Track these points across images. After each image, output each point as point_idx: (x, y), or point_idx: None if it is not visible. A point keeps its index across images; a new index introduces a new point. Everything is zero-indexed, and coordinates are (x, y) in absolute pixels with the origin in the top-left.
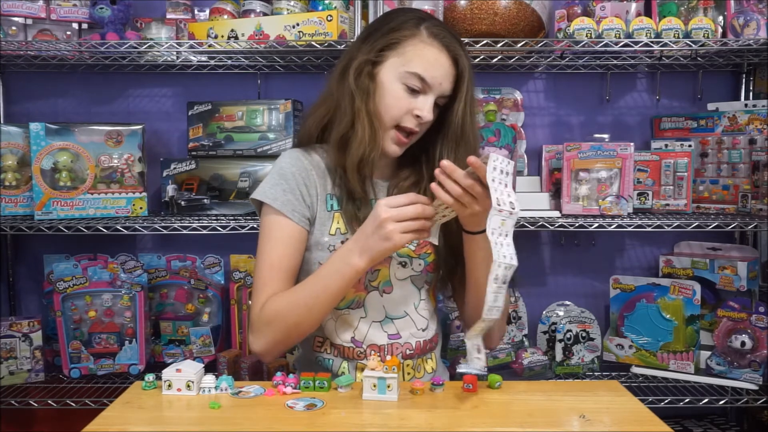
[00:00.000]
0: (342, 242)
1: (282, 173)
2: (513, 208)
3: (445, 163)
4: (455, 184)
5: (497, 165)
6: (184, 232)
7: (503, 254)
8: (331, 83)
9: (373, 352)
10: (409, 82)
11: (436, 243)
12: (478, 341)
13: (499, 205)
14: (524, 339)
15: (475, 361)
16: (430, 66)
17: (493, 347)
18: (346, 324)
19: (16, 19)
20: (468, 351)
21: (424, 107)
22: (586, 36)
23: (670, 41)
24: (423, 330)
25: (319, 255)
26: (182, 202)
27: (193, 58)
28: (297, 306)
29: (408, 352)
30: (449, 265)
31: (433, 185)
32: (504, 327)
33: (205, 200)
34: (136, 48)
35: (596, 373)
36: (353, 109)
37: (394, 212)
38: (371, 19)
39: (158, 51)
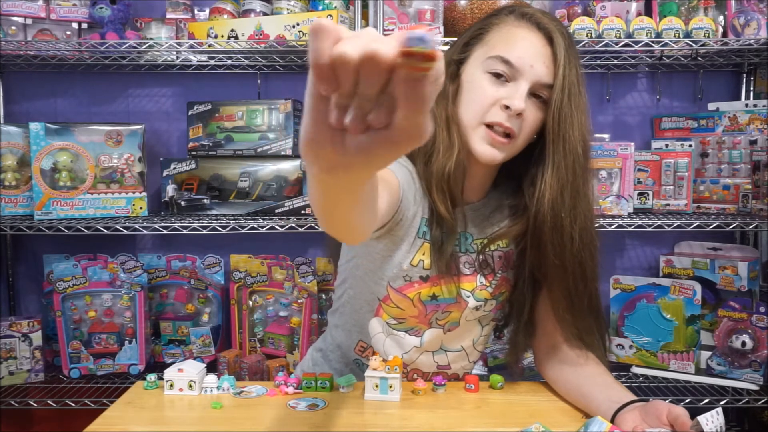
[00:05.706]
0: (421, 277)
1: (406, 165)
2: None
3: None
4: None
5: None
6: (184, 232)
7: None
8: None
9: (374, 353)
10: (493, 68)
11: None
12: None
13: None
14: None
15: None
16: (515, 45)
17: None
18: (397, 344)
19: (16, 18)
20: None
21: (513, 95)
22: (587, 36)
23: (671, 41)
24: (473, 362)
25: (391, 273)
26: (182, 202)
27: (193, 58)
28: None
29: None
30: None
31: None
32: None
33: (205, 200)
34: (136, 48)
35: None
36: (434, 118)
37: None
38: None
39: (158, 51)
